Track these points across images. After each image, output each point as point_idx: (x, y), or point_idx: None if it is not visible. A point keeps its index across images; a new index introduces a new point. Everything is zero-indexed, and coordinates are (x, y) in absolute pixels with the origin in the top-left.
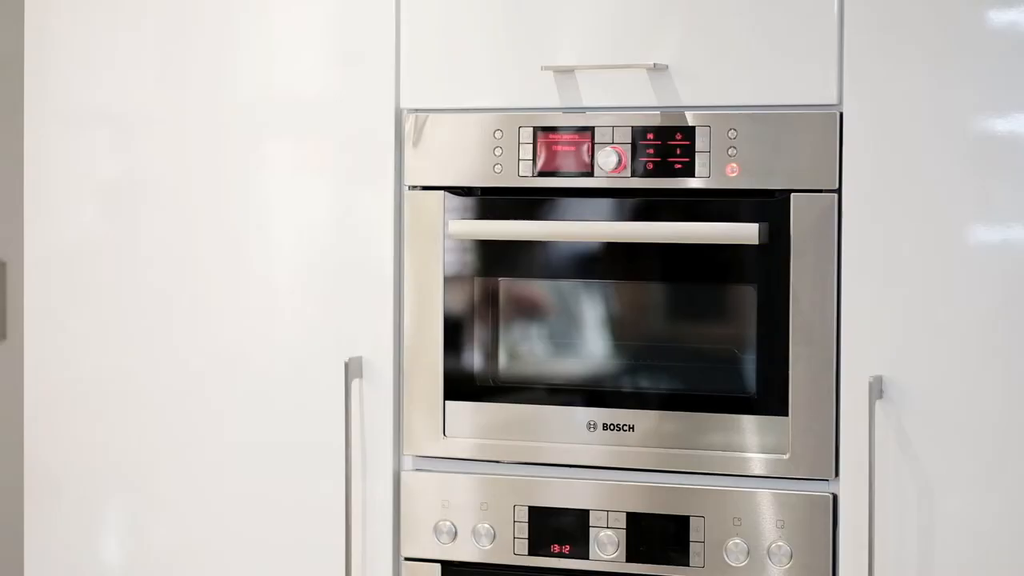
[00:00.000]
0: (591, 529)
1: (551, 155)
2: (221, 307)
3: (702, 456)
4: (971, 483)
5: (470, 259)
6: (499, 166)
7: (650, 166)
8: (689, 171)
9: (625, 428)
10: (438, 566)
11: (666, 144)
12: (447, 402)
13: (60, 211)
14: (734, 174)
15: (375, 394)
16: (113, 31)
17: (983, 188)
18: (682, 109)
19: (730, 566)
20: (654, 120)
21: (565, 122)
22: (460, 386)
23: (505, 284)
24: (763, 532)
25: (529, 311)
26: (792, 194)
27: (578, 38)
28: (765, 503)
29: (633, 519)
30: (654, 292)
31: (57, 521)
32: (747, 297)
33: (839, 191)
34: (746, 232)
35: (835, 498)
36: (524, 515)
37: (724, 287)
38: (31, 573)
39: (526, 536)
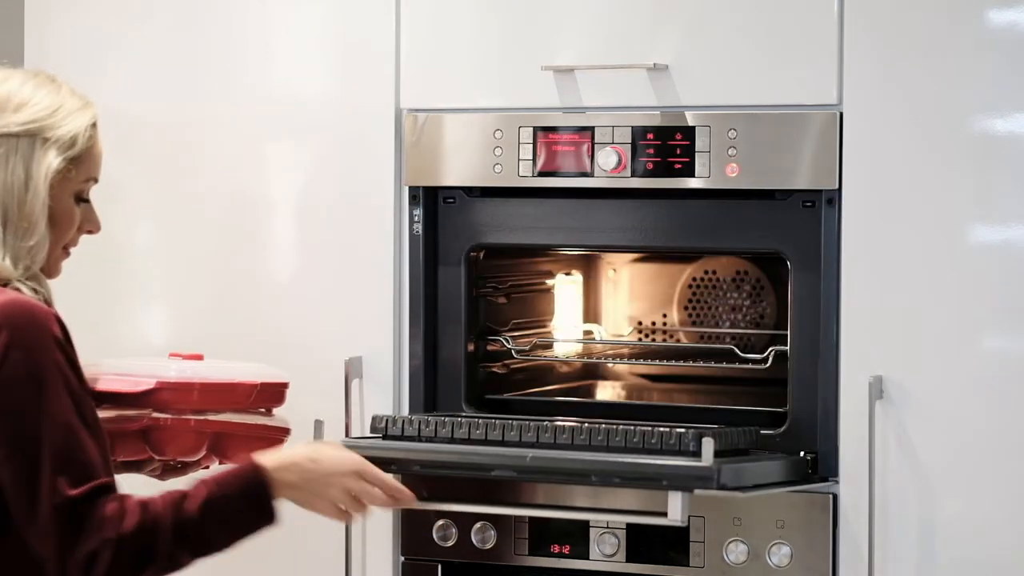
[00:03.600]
0: (591, 529)
1: (551, 155)
2: (220, 306)
3: None
4: (971, 483)
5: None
6: (499, 166)
7: (650, 166)
8: (689, 171)
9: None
10: (438, 566)
11: (666, 144)
12: None
13: None
14: (734, 174)
15: (375, 394)
16: (113, 31)
17: (983, 188)
18: (682, 109)
19: (730, 566)
20: (654, 120)
21: (565, 122)
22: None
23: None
24: (763, 532)
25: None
26: (792, 194)
27: (578, 38)
28: (765, 503)
29: None
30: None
31: None
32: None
33: (839, 191)
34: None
35: (835, 498)
36: (524, 515)
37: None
38: None
39: (526, 536)
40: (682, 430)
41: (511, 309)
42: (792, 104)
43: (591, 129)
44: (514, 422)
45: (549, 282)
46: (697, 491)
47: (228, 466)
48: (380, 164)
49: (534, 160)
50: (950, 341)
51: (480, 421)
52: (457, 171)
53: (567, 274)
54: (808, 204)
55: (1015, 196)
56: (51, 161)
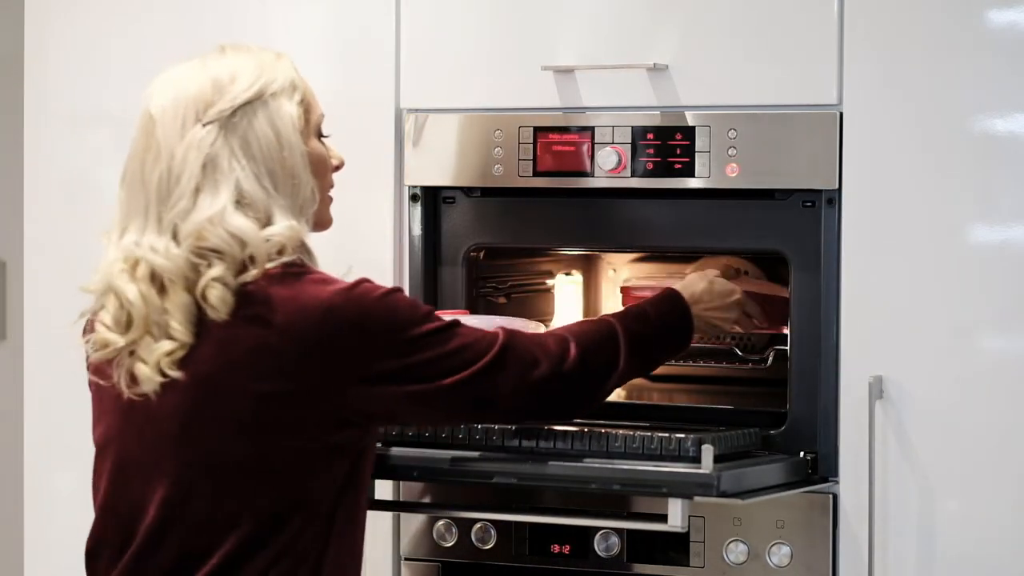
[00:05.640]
0: (591, 529)
1: (551, 155)
2: None
3: None
4: (971, 483)
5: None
6: (499, 166)
7: (650, 166)
8: (689, 171)
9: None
10: (438, 566)
11: (666, 144)
12: None
13: (60, 211)
14: (734, 174)
15: None
16: (113, 31)
17: (983, 188)
18: (682, 109)
19: (730, 566)
20: (654, 120)
21: (565, 122)
22: None
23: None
24: (763, 532)
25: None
26: (792, 194)
27: (578, 38)
28: (765, 503)
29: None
30: None
31: (57, 521)
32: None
33: (839, 191)
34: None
35: (835, 498)
36: (524, 520)
37: None
38: (31, 572)
39: (526, 536)
40: (681, 436)
41: (511, 309)
42: (792, 104)
43: (591, 129)
44: (514, 427)
45: (549, 282)
46: (697, 498)
47: None
48: (380, 164)
49: (534, 160)
50: (950, 341)
51: (480, 426)
52: (457, 171)
53: (567, 274)
54: (808, 204)
55: (1015, 196)
56: (288, 110)
